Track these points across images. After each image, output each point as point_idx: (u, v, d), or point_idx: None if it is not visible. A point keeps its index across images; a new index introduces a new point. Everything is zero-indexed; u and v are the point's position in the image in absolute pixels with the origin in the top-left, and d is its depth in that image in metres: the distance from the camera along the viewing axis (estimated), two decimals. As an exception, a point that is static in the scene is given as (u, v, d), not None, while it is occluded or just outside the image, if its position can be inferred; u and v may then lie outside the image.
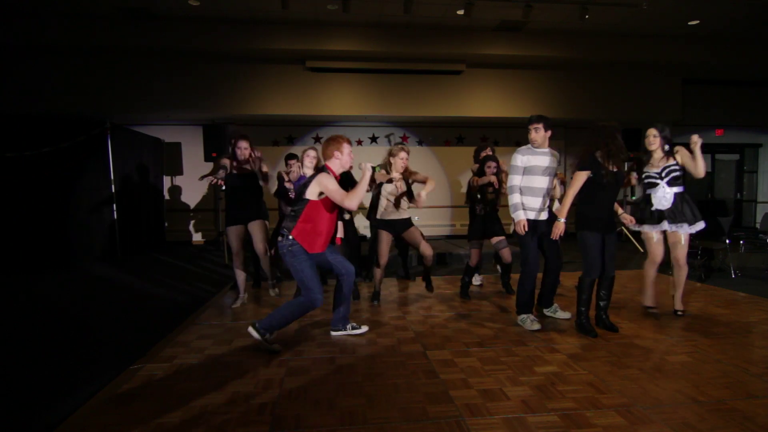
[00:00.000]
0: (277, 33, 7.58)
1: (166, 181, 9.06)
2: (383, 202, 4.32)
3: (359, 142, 9.53)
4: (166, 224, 9.05)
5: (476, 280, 5.37)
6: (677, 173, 3.78)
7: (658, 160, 3.82)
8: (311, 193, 3.20)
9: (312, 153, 4.40)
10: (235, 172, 4.30)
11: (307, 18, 7.33)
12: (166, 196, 9.09)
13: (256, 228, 4.42)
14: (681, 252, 3.84)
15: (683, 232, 3.78)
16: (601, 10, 6.95)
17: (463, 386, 2.62)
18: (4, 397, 2.56)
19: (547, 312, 4.00)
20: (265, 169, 4.41)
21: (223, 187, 4.37)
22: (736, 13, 7.16)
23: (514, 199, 3.62)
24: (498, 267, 5.55)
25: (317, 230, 3.22)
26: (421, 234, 4.39)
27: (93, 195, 6.87)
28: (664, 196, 3.79)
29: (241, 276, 4.49)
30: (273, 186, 4.90)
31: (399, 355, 3.13)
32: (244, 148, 4.28)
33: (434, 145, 9.59)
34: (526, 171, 3.63)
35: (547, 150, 3.66)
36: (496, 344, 3.32)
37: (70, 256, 6.53)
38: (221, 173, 4.17)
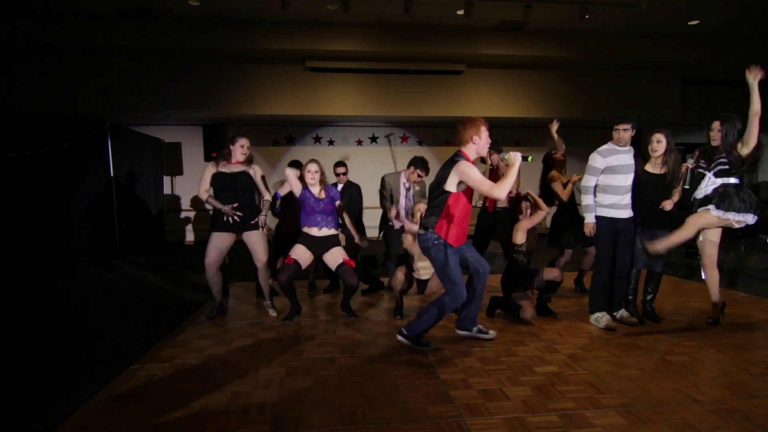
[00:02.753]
0: (277, 33, 7.59)
1: (166, 181, 9.06)
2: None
3: (359, 142, 9.54)
4: (166, 224, 9.05)
5: None
6: (726, 166, 3.40)
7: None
8: (451, 185, 2.99)
9: (313, 168, 3.80)
10: (225, 170, 3.79)
11: (307, 18, 7.33)
12: (167, 197, 9.10)
13: (255, 238, 3.89)
14: (714, 239, 3.50)
15: (732, 219, 3.33)
16: (601, 10, 6.95)
17: (463, 386, 2.62)
18: (4, 397, 2.56)
19: (615, 315, 3.81)
20: (260, 175, 3.96)
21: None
22: (736, 13, 7.16)
23: (587, 200, 3.65)
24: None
25: (458, 222, 3.04)
26: None
27: (93, 195, 6.88)
28: (707, 185, 3.48)
29: (216, 285, 3.98)
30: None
31: (399, 355, 3.12)
32: (247, 147, 3.82)
33: (434, 145, 9.60)
34: (609, 170, 3.61)
35: (628, 148, 3.66)
36: (496, 344, 3.32)
37: (70, 256, 6.53)
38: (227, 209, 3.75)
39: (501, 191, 2.88)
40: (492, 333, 3.41)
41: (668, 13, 7.17)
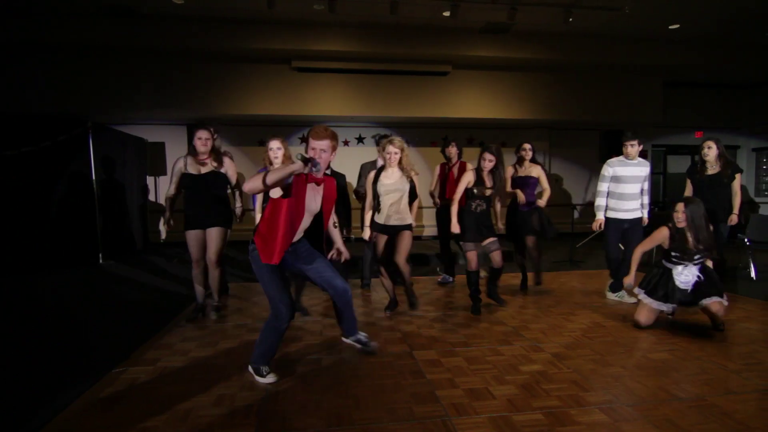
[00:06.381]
0: (262, 33, 7.53)
1: (150, 182, 8.93)
2: (385, 202, 3.87)
3: (346, 143, 9.51)
4: (149, 225, 8.92)
5: (447, 278, 5.26)
6: (697, 258, 3.54)
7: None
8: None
9: (275, 145, 3.72)
10: (192, 172, 3.80)
11: (293, 18, 7.29)
12: (150, 197, 8.96)
13: (212, 235, 3.88)
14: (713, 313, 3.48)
15: (707, 303, 3.43)
16: (585, 14, 7.04)
17: (449, 386, 2.64)
18: (-18, 403, 2.51)
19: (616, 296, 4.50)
20: (232, 172, 3.98)
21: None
22: (716, 18, 7.32)
23: (598, 202, 4.46)
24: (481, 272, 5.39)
25: (272, 235, 2.57)
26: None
27: (74, 195, 6.75)
28: (686, 275, 3.53)
29: (200, 288, 4.02)
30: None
31: (386, 355, 3.13)
32: (205, 138, 3.79)
33: (421, 146, 9.62)
34: (615, 180, 4.35)
35: (636, 161, 4.34)
36: (482, 344, 3.34)
37: (51, 257, 6.40)
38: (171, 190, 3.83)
39: (246, 184, 2.46)
40: (374, 344, 3.07)
41: (650, 17, 7.29)
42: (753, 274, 5.48)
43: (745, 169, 10.83)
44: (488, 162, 4.03)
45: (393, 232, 3.95)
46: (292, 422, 2.25)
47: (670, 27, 7.77)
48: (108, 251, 7.05)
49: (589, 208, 10.03)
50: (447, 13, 6.94)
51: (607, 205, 4.45)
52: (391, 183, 3.87)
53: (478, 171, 4.08)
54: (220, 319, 4.01)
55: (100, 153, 6.97)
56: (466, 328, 3.73)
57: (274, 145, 3.76)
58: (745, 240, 5.93)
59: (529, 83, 8.91)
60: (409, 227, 3.97)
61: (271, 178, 2.36)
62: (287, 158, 3.79)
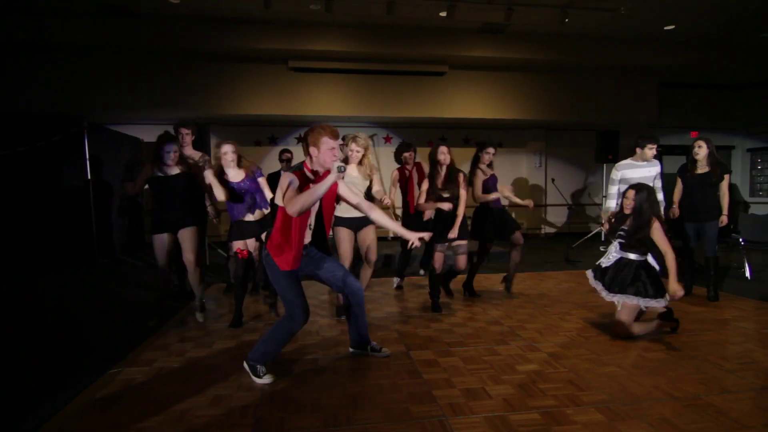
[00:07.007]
0: (259, 32, 7.52)
1: (146, 182, 8.89)
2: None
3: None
4: (145, 225, 8.89)
5: (395, 282, 5.21)
6: (623, 240, 3.45)
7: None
8: (278, 197, 2.67)
9: (229, 149, 3.65)
10: (159, 174, 3.73)
11: (290, 18, 7.29)
12: (145, 197, 8.93)
13: (186, 235, 3.80)
14: (621, 318, 3.39)
15: (620, 301, 3.41)
16: (581, 14, 7.06)
17: (446, 386, 2.64)
18: (-23, 404, 2.49)
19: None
20: (208, 179, 3.64)
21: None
22: (711, 19, 7.35)
23: (608, 204, 4.63)
24: (422, 272, 5.72)
25: (287, 242, 2.64)
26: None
27: (69, 195, 6.72)
28: (609, 253, 3.54)
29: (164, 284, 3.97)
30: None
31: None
32: (174, 151, 3.71)
33: (418, 146, 9.57)
34: (624, 182, 4.39)
35: (646, 162, 4.46)
36: (478, 344, 3.35)
37: (47, 258, 6.38)
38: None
39: (290, 207, 2.48)
40: (386, 351, 3.14)
41: (645, 18, 7.32)
42: (747, 274, 5.50)
43: (740, 169, 10.91)
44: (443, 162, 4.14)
45: (357, 225, 3.85)
46: (288, 422, 2.25)
47: (665, 28, 7.80)
48: (103, 251, 7.02)
49: (585, 208, 10.13)
50: (444, 14, 6.94)
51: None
52: (350, 179, 3.79)
53: (433, 176, 4.16)
54: (217, 320, 4.00)
55: (96, 153, 6.94)
56: (462, 327, 3.74)
57: (229, 149, 3.68)
58: (740, 240, 5.96)
59: (526, 83, 8.92)
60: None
61: (311, 200, 2.50)
62: (248, 164, 3.80)
